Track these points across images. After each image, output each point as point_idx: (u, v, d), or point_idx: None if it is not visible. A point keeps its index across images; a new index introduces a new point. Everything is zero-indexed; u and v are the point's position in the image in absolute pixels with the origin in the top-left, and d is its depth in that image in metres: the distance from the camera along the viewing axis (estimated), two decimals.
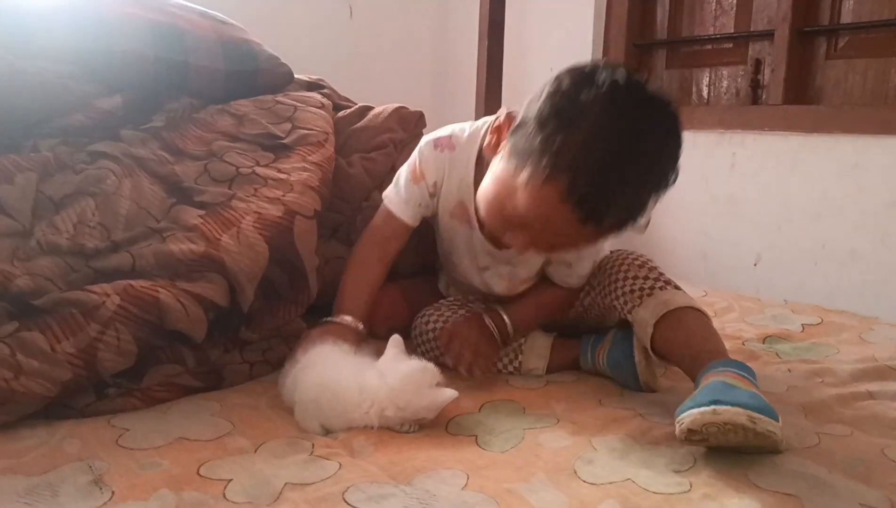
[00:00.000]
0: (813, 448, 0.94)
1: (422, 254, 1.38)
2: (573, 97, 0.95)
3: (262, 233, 1.12)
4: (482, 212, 1.09)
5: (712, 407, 0.84)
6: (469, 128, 1.22)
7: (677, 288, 1.15)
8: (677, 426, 0.88)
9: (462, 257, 1.25)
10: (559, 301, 1.25)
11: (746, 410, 0.83)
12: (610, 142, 0.93)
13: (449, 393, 0.98)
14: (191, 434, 0.95)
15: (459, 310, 1.27)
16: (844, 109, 1.88)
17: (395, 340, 1.05)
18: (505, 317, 1.20)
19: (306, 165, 1.24)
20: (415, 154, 1.23)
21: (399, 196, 1.23)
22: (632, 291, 1.13)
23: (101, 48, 1.31)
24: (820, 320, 1.51)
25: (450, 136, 1.21)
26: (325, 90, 1.57)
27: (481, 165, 1.14)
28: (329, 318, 1.17)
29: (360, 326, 1.17)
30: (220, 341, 1.12)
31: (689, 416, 0.86)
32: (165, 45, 1.34)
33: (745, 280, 2.01)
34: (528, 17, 2.58)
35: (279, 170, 1.23)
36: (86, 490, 0.81)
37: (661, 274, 1.16)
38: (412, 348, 1.25)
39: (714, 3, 2.24)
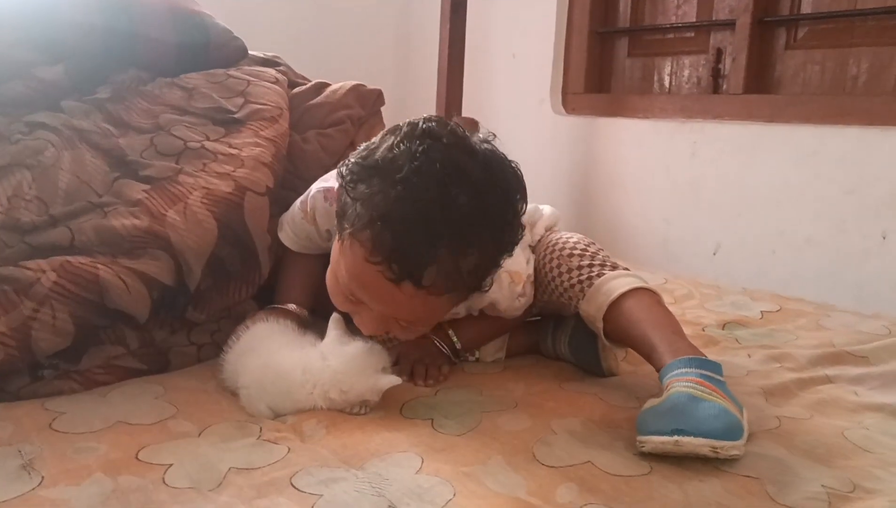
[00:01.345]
0: (773, 430, 0.93)
1: None
2: (388, 152, 0.89)
3: (210, 209, 1.07)
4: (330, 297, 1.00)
5: (674, 437, 0.81)
6: None
7: (615, 267, 1.09)
8: (637, 443, 0.85)
9: None
10: (508, 320, 1.15)
11: (709, 440, 0.81)
12: (419, 199, 0.85)
13: (392, 378, 0.94)
14: (131, 418, 0.91)
15: None
16: (803, 98, 1.88)
17: (336, 320, 1.00)
18: (454, 338, 1.13)
19: (259, 140, 1.19)
20: (306, 201, 1.12)
21: (295, 237, 1.15)
22: (571, 286, 1.07)
23: (44, 15, 1.24)
24: (778, 307, 1.51)
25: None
26: (281, 67, 1.52)
27: None
28: (274, 306, 1.12)
29: (306, 313, 1.12)
30: (166, 322, 1.07)
31: (650, 442, 0.83)
32: (112, 13, 1.28)
33: (705, 267, 2.01)
34: (491, 1, 2.55)
35: (230, 145, 1.18)
36: (14, 475, 0.77)
37: (594, 254, 1.09)
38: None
39: None
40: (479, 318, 1.14)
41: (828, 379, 1.13)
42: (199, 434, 0.88)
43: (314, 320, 1.12)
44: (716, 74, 2.13)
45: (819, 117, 1.82)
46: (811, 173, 1.82)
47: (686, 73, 2.23)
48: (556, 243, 1.12)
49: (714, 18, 2.13)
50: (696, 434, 0.80)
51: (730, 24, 2.06)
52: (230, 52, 1.42)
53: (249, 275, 1.12)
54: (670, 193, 2.12)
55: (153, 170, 1.11)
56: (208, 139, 1.19)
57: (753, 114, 1.95)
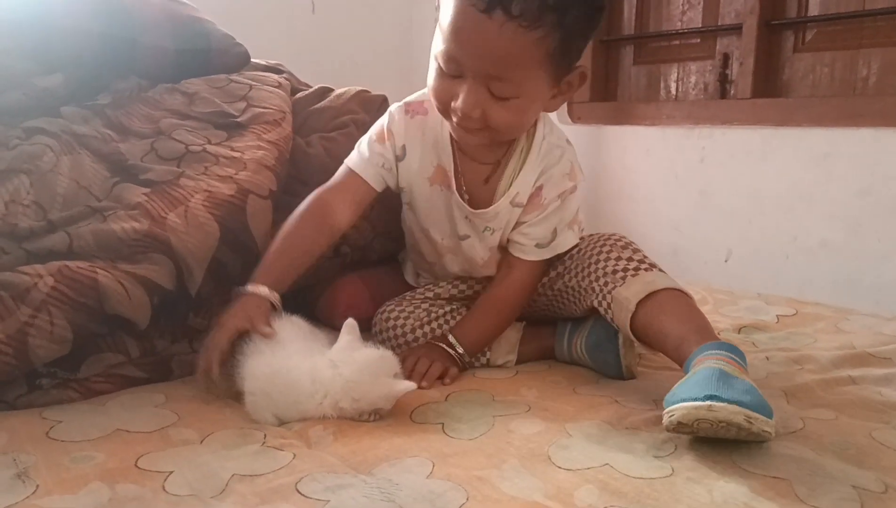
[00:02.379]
0: (798, 432, 0.89)
1: (391, 239, 1.30)
2: None
3: (212, 212, 1.04)
4: (431, 97, 1.04)
5: (708, 402, 0.77)
6: None
7: (661, 271, 1.07)
8: (665, 416, 0.81)
9: (442, 229, 1.17)
10: (510, 301, 1.15)
11: (743, 409, 0.76)
12: None
13: (407, 384, 0.91)
14: (131, 426, 0.87)
15: (422, 305, 1.20)
16: (813, 101, 1.86)
17: (350, 325, 0.97)
18: (455, 344, 1.10)
19: (261, 144, 1.17)
20: (383, 117, 1.15)
21: (361, 155, 1.13)
22: (614, 271, 1.06)
23: (41, 23, 1.23)
24: (795, 311, 1.47)
25: (421, 101, 1.14)
26: (284, 74, 1.50)
27: None
28: (249, 290, 1.00)
29: (278, 298, 1.02)
30: (167, 330, 1.04)
31: (681, 409, 0.79)
32: (110, 20, 1.26)
33: (717, 274, 1.98)
34: None
35: (232, 149, 1.15)
36: (8, 484, 0.73)
37: (646, 256, 1.09)
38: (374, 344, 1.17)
39: None
40: (478, 315, 1.13)
41: (851, 381, 1.09)
42: (201, 442, 0.84)
43: (284, 306, 1.04)
44: (723, 79, 2.11)
45: (830, 119, 1.79)
46: (823, 176, 1.78)
47: (693, 79, 2.20)
48: (614, 235, 1.12)
49: (720, 23, 2.11)
50: (730, 402, 0.76)
51: (736, 29, 2.04)
52: (232, 59, 1.40)
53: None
54: (680, 201, 2.08)
55: (153, 173, 1.09)
56: (210, 143, 1.16)
57: (762, 118, 1.92)
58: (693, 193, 2.05)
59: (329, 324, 1.31)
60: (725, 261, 1.99)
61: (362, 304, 1.28)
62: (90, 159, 1.10)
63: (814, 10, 1.93)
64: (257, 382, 0.92)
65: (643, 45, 2.33)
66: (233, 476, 0.76)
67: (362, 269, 1.34)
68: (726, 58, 2.10)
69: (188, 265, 1.00)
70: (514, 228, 1.14)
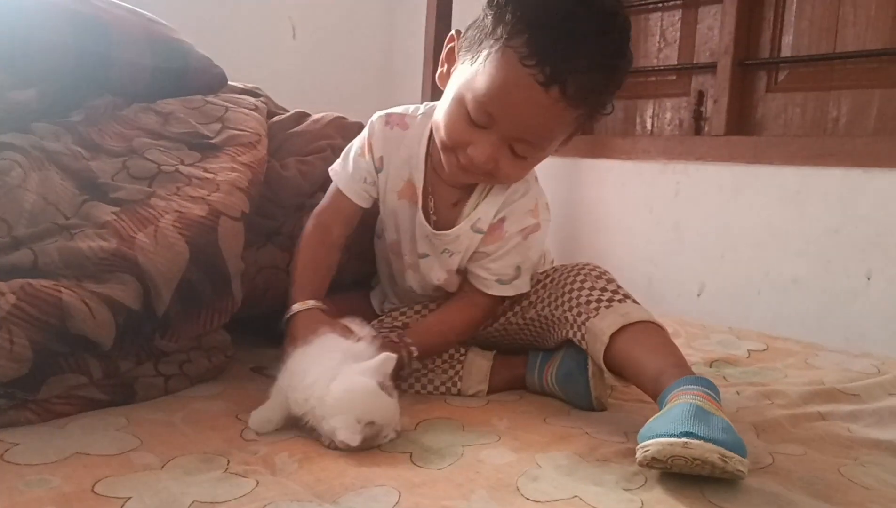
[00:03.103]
0: (768, 467, 0.89)
1: (366, 261, 1.30)
2: None
3: (182, 232, 1.03)
4: (441, 133, 1.05)
5: (683, 439, 0.76)
6: (423, 107, 1.18)
7: (635, 302, 1.07)
8: (640, 451, 0.80)
9: (405, 245, 1.18)
10: (466, 319, 1.16)
11: (719, 448, 0.76)
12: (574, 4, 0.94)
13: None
14: (91, 450, 0.85)
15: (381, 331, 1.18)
16: (785, 140, 1.89)
17: (386, 359, 0.94)
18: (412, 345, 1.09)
19: (235, 166, 1.16)
20: (366, 128, 1.19)
21: (346, 170, 1.18)
22: (588, 302, 1.06)
23: (18, 36, 1.21)
24: (765, 346, 1.48)
25: (403, 115, 1.17)
26: (261, 97, 1.50)
27: (434, 143, 1.11)
28: (296, 309, 1.07)
29: (322, 305, 1.10)
30: (132, 351, 1.01)
31: (656, 444, 0.78)
32: (87, 36, 1.25)
33: (690, 308, 1.99)
34: None
35: (206, 170, 1.14)
36: None
37: (619, 286, 1.09)
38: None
39: (658, 36, 2.26)
40: (434, 321, 1.16)
41: (820, 416, 1.09)
42: (162, 467, 0.82)
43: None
44: (698, 116, 2.14)
45: (801, 158, 1.82)
46: (795, 213, 1.81)
47: (668, 115, 2.24)
48: (587, 264, 1.13)
49: (695, 61, 2.15)
50: (706, 440, 0.76)
51: (711, 67, 2.08)
52: (209, 80, 1.39)
53: (221, 303, 1.07)
54: (654, 234, 2.10)
55: (124, 192, 1.07)
56: (183, 163, 1.15)
57: (736, 155, 1.95)
58: (667, 227, 2.07)
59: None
60: (698, 295, 2.00)
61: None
62: (59, 176, 1.08)
63: (786, 51, 1.97)
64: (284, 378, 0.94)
65: None
66: (193, 502, 0.73)
67: (333, 293, 1.33)
68: (701, 95, 2.14)
69: (156, 285, 0.98)
70: (476, 259, 1.14)
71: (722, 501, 0.77)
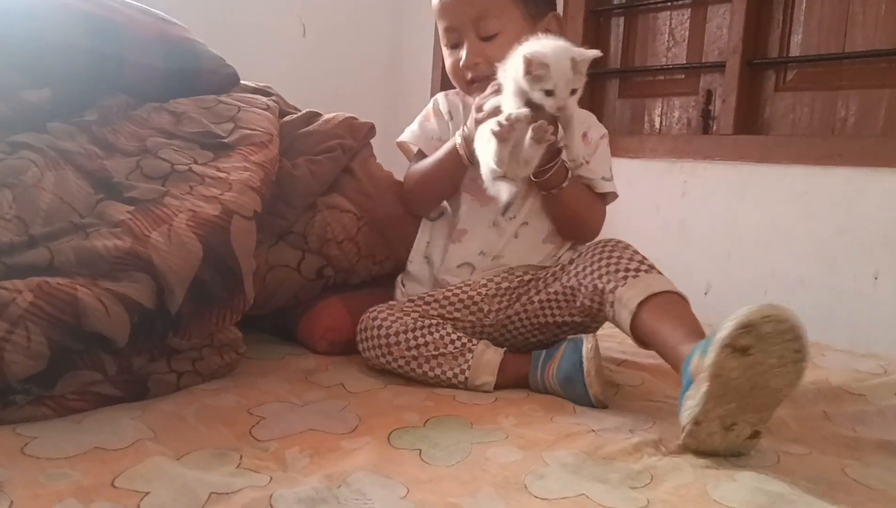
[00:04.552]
0: (772, 466, 0.90)
1: (379, 262, 1.31)
2: None
3: (195, 231, 1.04)
4: (449, 75, 1.34)
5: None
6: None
7: (660, 273, 1.13)
8: (724, 328, 0.85)
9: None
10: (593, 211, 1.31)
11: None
12: None
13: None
14: (107, 444, 0.86)
15: (412, 313, 1.20)
16: (793, 140, 1.89)
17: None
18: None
19: (248, 165, 1.17)
20: (430, 102, 1.39)
21: (413, 133, 1.37)
22: (616, 271, 1.11)
23: (31, 37, 1.23)
24: None
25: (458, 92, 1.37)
26: (273, 96, 1.51)
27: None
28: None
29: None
30: (146, 348, 1.03)
31: (744, 311, 0.84)
32: (100, 37, 1.26)
33: (696, 307, 1.98)
34: None
35: (218, 169, 1.15)
36: None
37: (645, 258, 1.15)
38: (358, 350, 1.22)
39: (667, 35, 2.26)
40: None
41: (825, 416, 1.10)
42: (178, 460, 0.84)
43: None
44: (706, 115, 2.14)
45: (809, 158, 1.83)
46: (802, 213, 1.81)
47: (676, 114, 2.24)
48: (613, 239, 1.20)
49: (704, 60, 2.15)
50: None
51: (719, 66, 2.08)
52: (221, 80, 1.40)
53: (233, 301, 1.08)
54: (661, 233, 2.11)
55: (138, 191, 1.08)
56: (196, 162, 1.16)
57: (743, 154, 1.96)
58: (674, 226, 2.08)
59: (310, 348, 1.31)
60: (705, 294, 2.01)
61: (342, 326, 1.29)
62: (75, 175, 1.10)
63: (795, 50, 1.97)
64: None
65: (629, 79, 2.37)
66: (211, 494, 0.75)
67: (344, 292, 1.35)
68: (709, 94, 2.14)
69: (169, 284, 1.00)
70: (580, 169, 1.26)
71: (725, 500, 0.78)
